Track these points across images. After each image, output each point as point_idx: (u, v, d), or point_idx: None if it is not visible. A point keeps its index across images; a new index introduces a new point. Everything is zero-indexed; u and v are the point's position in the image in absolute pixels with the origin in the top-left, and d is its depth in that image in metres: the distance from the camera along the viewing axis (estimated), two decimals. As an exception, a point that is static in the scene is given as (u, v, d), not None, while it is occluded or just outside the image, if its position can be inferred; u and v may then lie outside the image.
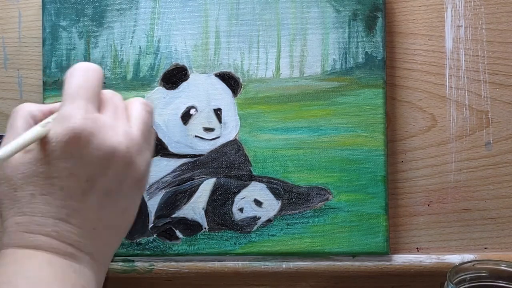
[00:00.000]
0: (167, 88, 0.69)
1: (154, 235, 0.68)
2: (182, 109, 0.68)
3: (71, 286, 0.42)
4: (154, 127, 0.52)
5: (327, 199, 0.67)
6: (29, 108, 0.47)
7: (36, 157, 0.43)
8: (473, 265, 0.61)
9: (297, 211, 0.67)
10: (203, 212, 0.68)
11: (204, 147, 0.68)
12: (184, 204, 0.68)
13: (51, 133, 0.43)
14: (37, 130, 0.44)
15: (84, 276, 0.44)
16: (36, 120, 0.46)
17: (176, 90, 0.68)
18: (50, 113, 0.47)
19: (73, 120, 0.42)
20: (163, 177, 0.68)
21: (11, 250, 0.43)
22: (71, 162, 0.43)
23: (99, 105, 0.45)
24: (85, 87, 0.44)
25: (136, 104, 0.48)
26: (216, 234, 0.68)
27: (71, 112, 0.43)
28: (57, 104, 0.47)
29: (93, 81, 0.45)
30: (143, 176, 0.47)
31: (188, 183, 0.68)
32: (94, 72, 0.46)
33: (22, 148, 0.43)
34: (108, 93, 0.47)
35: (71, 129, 0.42)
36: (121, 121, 0.45)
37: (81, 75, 0.45)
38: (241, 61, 0.68)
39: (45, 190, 0.43)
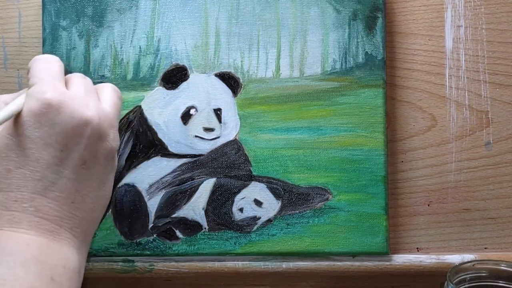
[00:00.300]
0: (167, 88, 0.69)
1: (154, 235, 0.68)
2: (182, 109, 0.68)
3: (50, 268, 0.42)
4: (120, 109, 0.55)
5: (327, 199, 0.67)
6: (2, 98, 0.49)
7: (9, 131, 0.44)
8: (473, 265, 0.61)
9: (297, 211, 0.67)
10: (203, 212, 0.68)
11: (204, 147, 0.68)
12: (184, 204, 0.68)
13: (23, 108, 0.44)
14: (17, 102, 0.45)
15: (64, 255, 0.43)
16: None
17: (176, 90, 0.68)
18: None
19: (43, 93, 0.44)
20: (163, 177, 0.68)
21: None
22: (44, 131, 0.43)
23: (68, 84, 0.48)
24: (49, 68, 0.48)
25: (107, 88, 0.51)
26: (216, 234, 0.68)
27: (41, 87, 0.45)
28: (24, 90, 0.49)
29: (55, 66, 0.48)
30: (114, 153, 0.48)
31: (188, 183, 0.68)
32: (55, 59, 0.50)
33: (7, 119, 0.44)
34: (77, 75, 0.51)
35: (42, 99, 0.44)
36: (92, 97, 0.48)
37: (42, 61, 0.48)
38: (241, 61, 0.68)
39: (20, 163, 0.43)
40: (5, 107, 0.45)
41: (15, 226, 0.42)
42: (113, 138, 0.48)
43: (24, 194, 0.43)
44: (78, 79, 0.50)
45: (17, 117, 0.44)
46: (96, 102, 0.48)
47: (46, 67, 0.48)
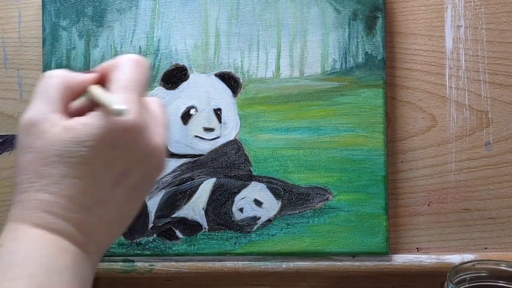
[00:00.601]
0: (167, 88, 0.69)
1: (154, 235, 0.68)
2: (182, 109, 0.68)
3: (80, 278, 0.42)
4: None
5: (327, 199, 0.67)
6: (67, 77, 0.44)
7: (79, 138, 0.41)
8: (473, 265, 0.61)
9: (297, 211, 0.67)
10: (203, 212, 0.68)
11: (204, 147, 0.68)
12: (184, 204, 0.68)
13: (104, 119, 0.41)
14: (107, 99, 0.41)
15: (89, 267, 0.43)
16: (73, 90, 0.43)
17: (176, 90, 0.68)
18: (88, 82, 0.44)
19: (128, 113, 0.41)
20: (163, 177, 0.68)
21: (24, 226, 0.41)
22: (116, 153, 0.41)
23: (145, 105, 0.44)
24: (138, 80, 0.43)
25: (159, 108, 0.47)
26: (216, 234, 0.68)
27: (127, 105, 0.41)
28: (89, 76, 0.45)
29: (144, 76, 0.44)
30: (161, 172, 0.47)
31: (188, 183, 0.68)
32: (145, 67, 0.44)
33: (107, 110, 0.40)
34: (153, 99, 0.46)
35: (125, 122, 0.41)
36: (159, 122, 0.45)
37: (134, 67, 0.43)
38: (241, 61, 0.68)
39: (78, 174, 0.41)
40: (107, 95, 0.41)
41: (54, 232, 0.41)
42: (164, 168, 0.46)
43: (72, 205, 0.41)
44: (148, 98, 0.46)
45: (94, 128, 0.41)
46: (162, 128, 0.45)
47: (135, 78, 0.43)
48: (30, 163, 0.42)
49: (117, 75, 0.43)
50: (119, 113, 0.40)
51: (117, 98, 0.41)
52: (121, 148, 0.41)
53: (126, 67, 0.43)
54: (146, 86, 0.44)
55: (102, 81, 0.45)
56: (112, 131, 0.41)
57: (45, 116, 0.42)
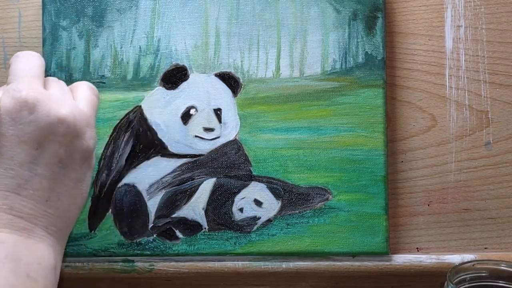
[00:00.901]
0: (167, 88, 0.69)
1: (154, 235, 0.68)
2: (182, 109, 0.68)
3: (24, 265, 0.42)
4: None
5: (327, 199, 0.67)
6: None
7: None
8: (473, 265, 0.61)
9: (297, 211, 0.67)
10: (203, 212, 0.68)
11: (204, 147, 0.68)
12: (184, 204, 0.68)
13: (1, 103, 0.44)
14: None
15: (39, 252, 0.43)
16: None
17: (176, 90, 0.68)
18: None
19: (19, 90, 0.44)
20: (163, 177, 0.68)
21: None
22: (18, 129, 0.43)
23: (44, 86, 0.48)
24: (29, 67, 0.47)
25: (83, 86, 0.52)
26: (216, 234, 0.68)
27: (17, 86, 0.45)
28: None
29: (35, 64, 0.48)
30: (91, 152, 0.48)
31: (188, 183, 0.68)
32: (35, 57, 0.49)
33: None
34: (53, 78, 0.50)
35: (17, 97, 0.44)
36: (67, 97, 0.48)
37: (24, 59, 0.48)
38: (241, 61, 0.68)
39: None
40: None
41: None
42: (90, 137, 0.48)
43: None
44: (54, 81, 0.50)
45: None
46: (71, 101, 0.48)
47: (26, 65, 0.48)
48: None
49: (11, 70, 0.48)
50: None
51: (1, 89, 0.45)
52: (20, 123, 0.43)
53: (16, 62, 0.48)
54: (40, 70, 0.49)
55: None
56: (5, 109, 0.44)
57: None
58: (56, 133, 0.45)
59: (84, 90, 0.51)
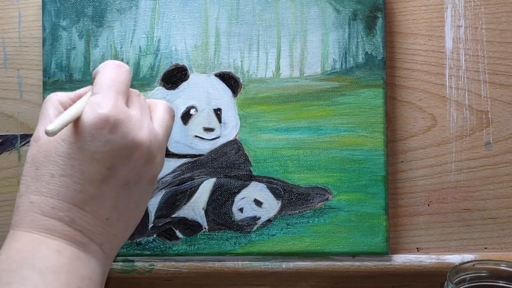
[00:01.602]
0: (167, 88, 0.69)
1: (154, 235, 0.68)
2: (182, 109, 0.68)
3: (78, 278, 0.42)
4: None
5: (327, 199, 0.67)
6: (58, 97, 0.48)
7: (62, 137, 0.44)
8: (473, 265, 0.61)
9: (297, 211, 0.67)
10: (203, 212, 0.68)
11: (204, 147, 0.68)
12: (184, 204, 0.68)
13: (81, 116, 0.44)
14: (78, 106, 0.45)
15: (91, 267, 0.44)
16: (66, 107, 0.47)
17: (176, 90, 0.68)
18: (76, 96, 0.48)
19: (103, 107, 0.44)
20: (163, 177, 0.68)
21: (20, 232, 0.43)
22: (95, 146, 0.43)
23: (127, 102, 0.47)
24: (116, 81, 0.47)
25: (160, 106, 0.51)
26: (216, 234, 0.68)
27: (102, 101, 0.44)
28: (83, 90, 0.49)
29: (123, 77, 0.48)
30: (157, 176, 0.48)
31: (188, 183, 0.68)
32: (125, 69, 0.48)
33: (67, 123, 0.43)
34: (134, 91, 0.50)
35: (100, 114, 0.43)
36: (146, 118, 0.47)
37: (113, 70, 0.47)
38: (241, 61, 0.68)
39: (65, 171, 0.43)
40: (66, 111, 0.44)
41: (48, 233, 0.42)
42: (159, 162, 0.48)
43: (63, 204, 0.43)
44: (135, 96, 0.49)
45: (73, 125, 0.44)
46: (149, 123, 0.47)
47: (113, 78, 0.47)
48: (27, 170, 0.45)
49: (97, 79, 0.47)
50: (46, 132, 0.42)
51: (59, 120, 0.43)
52: (98, 140, 0.43)
53: (104, 71, 0.48)
54: (127, 85, 0.48)
55: None
56: (86, 124, 0.43)
57: (42, 133, 0.45)
58: (130, 157, 0.45)
59: (162, 111, 0.51)
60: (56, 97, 0.48)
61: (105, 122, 0.43)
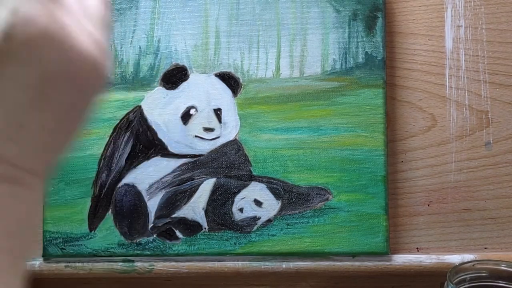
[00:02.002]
0: (167, 88, 0.68)
1: (154, 235, 0.68)
2: (182, 109, 0.68)
3: (17, 212, 0.36)
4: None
5: (327, 199, 0.67)
6: None
7: None
8: (473, 265, 0.61)
9: (297, 211, 0.67)
10: (203, 212, 0.68)
11: (204, 147, 0.68)
12: (184, 204, 0.68)
13: (6, 28, 0.33)
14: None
15: (28, 199, 0.37)
16: None
17: (176, 90, 0.68)
18: None
19: (34, 16, 0.33)
20: (163, 177, 0.68)
21: None
22: (17, 68, 0.34)
23: None
24: None
25: (96, 3, 0.39)
26: (216, 234, 0.68)
27: (32, 8, 0.33)
28: None
29: None
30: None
31: (188, 183, 0.68)
32: None
33: None
34: None
35: (33, 26, 0.33)
36: (85, 18, 0.37)
37: None
38: (241, 61, 0.68)
39: None
40: None
41: None
42: (102, 79, 0.38)
43: None
44: None
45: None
46: (90, 27, 0.37)
47: None
48: None
49: None
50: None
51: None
52: (23, 61, 0.34)
53: None
54: None
55: None
56: (17, 40, 0.33)
57: None
58: (68, 77, 0.35)
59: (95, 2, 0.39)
60: None
61: (41, 36, 0.33)
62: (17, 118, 0.37)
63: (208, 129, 0.68)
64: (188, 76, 0.68)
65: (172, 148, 0.68)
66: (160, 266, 0.68)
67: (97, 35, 0.38)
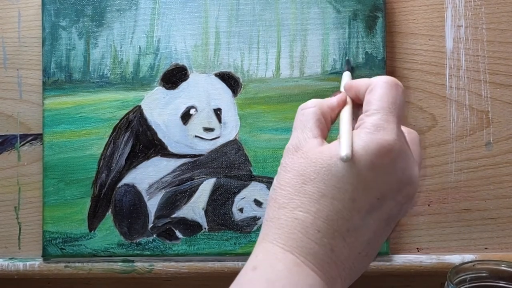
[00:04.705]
0: (167, 88, 0.68)
1: (154, 235, 0.68)
2: (182, 109, 0.68)
3: None
4: None
5: (327, 199, 0.67)
6: (320, 107, 0.44)
7: (336, 156, 0.40)
8: (473, 265, 0.61)
9: (297, 211, 0.67)
10: (203, 212, 0.68)
11: (204, 147, 0.68)
12: (184, 204, 0.68)
13: (361, 141, 0.40)
14: (347, 122, 0.42)
15: None
16: (326, 118, 0.44)
17: (176, 90, 0.68)
18: (338, 108, 0.45)
19: (388, 134, 0.40)
20: (163, 177, 0.68)
21: (278, 249, 0.40)
22: (372, 175, 0.40)
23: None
24: (396, 103, 0.42)
25: (416, 138, 0.46)
26: (216, 234, 0.68)
27: (385, 125, 0.41)
28: (338, 98, 0.45)
29: (401, 99, 0.43)
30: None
31: (188, 183, 0.68)
32: (402, 90, 0.44)
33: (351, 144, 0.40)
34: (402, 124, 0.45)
35: (384, 141, 0.40)
36: (417, 154, 0.44)
37: (392, 89, 0.43)
38: (241, 61, 0.68)
39: (336, 194, 0.40)
40: (345, 130, 0.41)
41: (308, 259, 0.39)
42: (414, 204, 0.45)
43: (329, 228, 0.39)
44: (409, 132, 0.45)
45: (352, 148, 0.40)
46: (418, 157, 0.44)
47: (392, 100, 0.42)
48: (290, 180, 0.42)
49: (373, 96, 0.43)
50: (343, 159, 0.39)
51: (347, 142, 0.40)
52: (378, 170, 0.40)
53: (382, 89, 0.43)
54: (403, 110, 0.43)
55: (356, 100, 0.45)
56: (368, 149, 0.40)
57: (306, 141, 0.43)
58: (400, 192, 0.41)
59: (418, 144, 0.46)
60: (319, 107, 0.44)
61: (388, 151, 0.40)
62: (356, 219, 0.40)
63: (208, 129, 0.68)
64: (188, 76, 0.68)
65: (172, 148, 0.68)
66: (160, 266, 0.68)
67: (418, 168, 0.43)
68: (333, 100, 0.45)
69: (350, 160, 0.39)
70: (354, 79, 0.47)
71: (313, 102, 0.45)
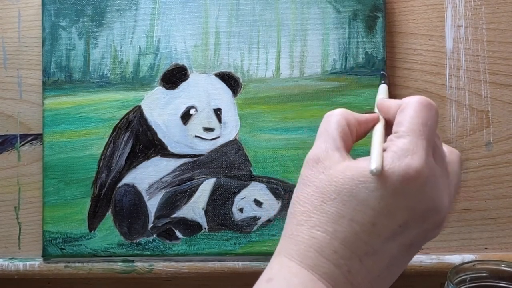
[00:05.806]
0: (167, 88, 0.68)
1: (154, 235, 0.68)
2: (182, 109, 0.68)
3: None
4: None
5: (327, 199, 0.67)
6: (346, 117, 0.44)
7: (359, 178, 0.39)
8: (473, 265, 0.61)
9: (297, 211, 0.67)
10: (203, 212, 0.68)
11: (204, 147, 0.68)
12: (184, 204, 0.68)
13: (387, 164, 0.39)
14: (379, 141, 0.41)
15: None
16: (350, 129, 0.43)
17: (176, 90, 0.68)
18: (366, 124, 0.44)
19: (415, 159, 0.39)
20: (163, 177, 0.68)
21: (294, 265, 0.40)
22: (394, 200, 0.39)
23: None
24: (427, 125, 0.41)
25: (457, 162, 0.44)
26: (216, 234, 0.68)
27: (414, 149, 0.39)
28: (370, 116, 0.45)
29: (433, 122, 0.41)
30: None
31: (188, 183, 0.68)
32: (435, 111, 0.42)
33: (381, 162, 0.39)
34: (436, 136, 0.43)
35: (411, 167, 0.38)
36: (446, 181, 0.42)
37: (424, 110, 0.41)
38: (241, 61, 0.68)
39: (356, 217, 0.39)
40: (376, 146, 0.41)
41: (322, 276, 0.39)
42: (440, 231, 0.43)
43: (346, 250, 0.39)
44: (437, 148, 0.43)
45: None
46: (450, 189, 0.42)
47: (424, 121, 0.40)
48: (310, 196, 0.41)
49: (404, 117, 0.41)
50: (371, 172, 0.38)
51: (378, 155, 0.39)
52: (402, 197, 0.39)
53: (413, 110, 0.41)
54: (435, 133, 0.41)
55: (389, 121, 0.43)
56: (393, 173, 0.38)
57: (327, 153, 0.42)
58: (426, 221, 0.40)
59: (458, 168, 0.44)
60: (345, 117, 0.44)
61: (414, 178, 0.38)
62: (376, 243, 0.39)
63: (208, 129, 0.68)
64: (188, 76, 0.68)
65: (172, 148, 0.68)
66: (160, 266, 0.68)
67: (451, 197, 0.42)
68: (362, 115, 0.44)
69: (377, 176, 0.38)
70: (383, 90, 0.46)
71: (339, 111, 0.44)
